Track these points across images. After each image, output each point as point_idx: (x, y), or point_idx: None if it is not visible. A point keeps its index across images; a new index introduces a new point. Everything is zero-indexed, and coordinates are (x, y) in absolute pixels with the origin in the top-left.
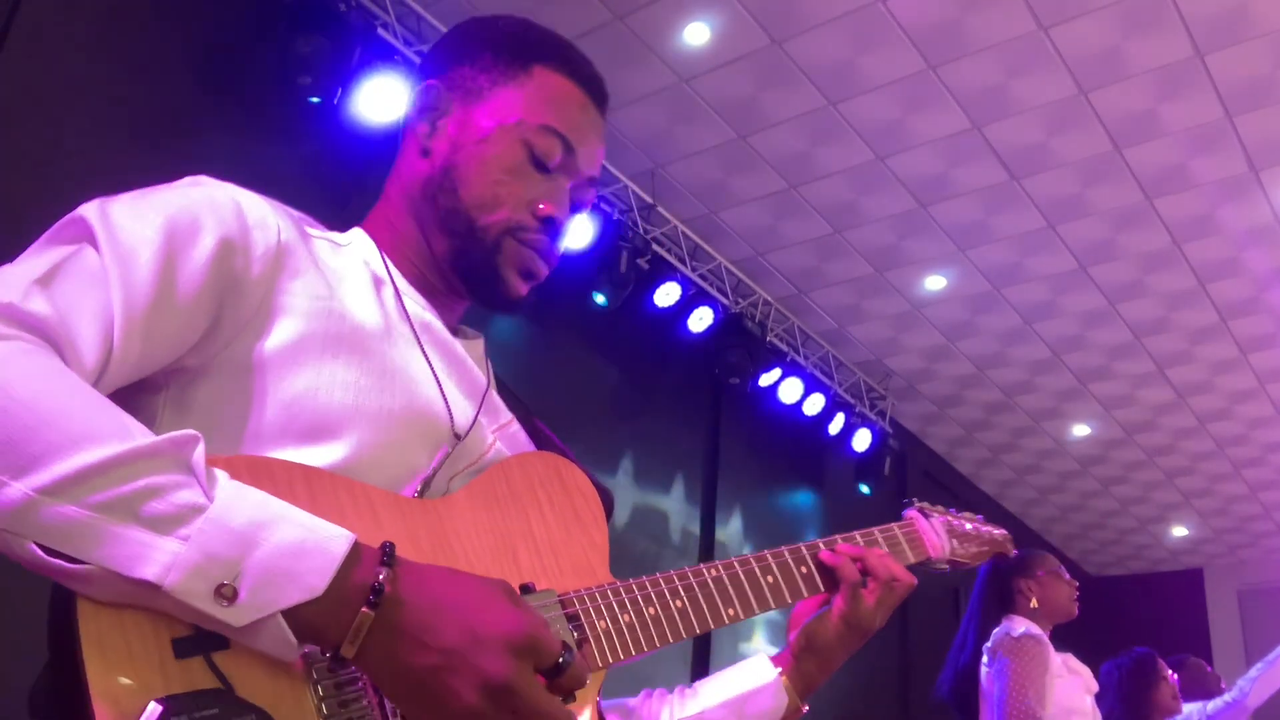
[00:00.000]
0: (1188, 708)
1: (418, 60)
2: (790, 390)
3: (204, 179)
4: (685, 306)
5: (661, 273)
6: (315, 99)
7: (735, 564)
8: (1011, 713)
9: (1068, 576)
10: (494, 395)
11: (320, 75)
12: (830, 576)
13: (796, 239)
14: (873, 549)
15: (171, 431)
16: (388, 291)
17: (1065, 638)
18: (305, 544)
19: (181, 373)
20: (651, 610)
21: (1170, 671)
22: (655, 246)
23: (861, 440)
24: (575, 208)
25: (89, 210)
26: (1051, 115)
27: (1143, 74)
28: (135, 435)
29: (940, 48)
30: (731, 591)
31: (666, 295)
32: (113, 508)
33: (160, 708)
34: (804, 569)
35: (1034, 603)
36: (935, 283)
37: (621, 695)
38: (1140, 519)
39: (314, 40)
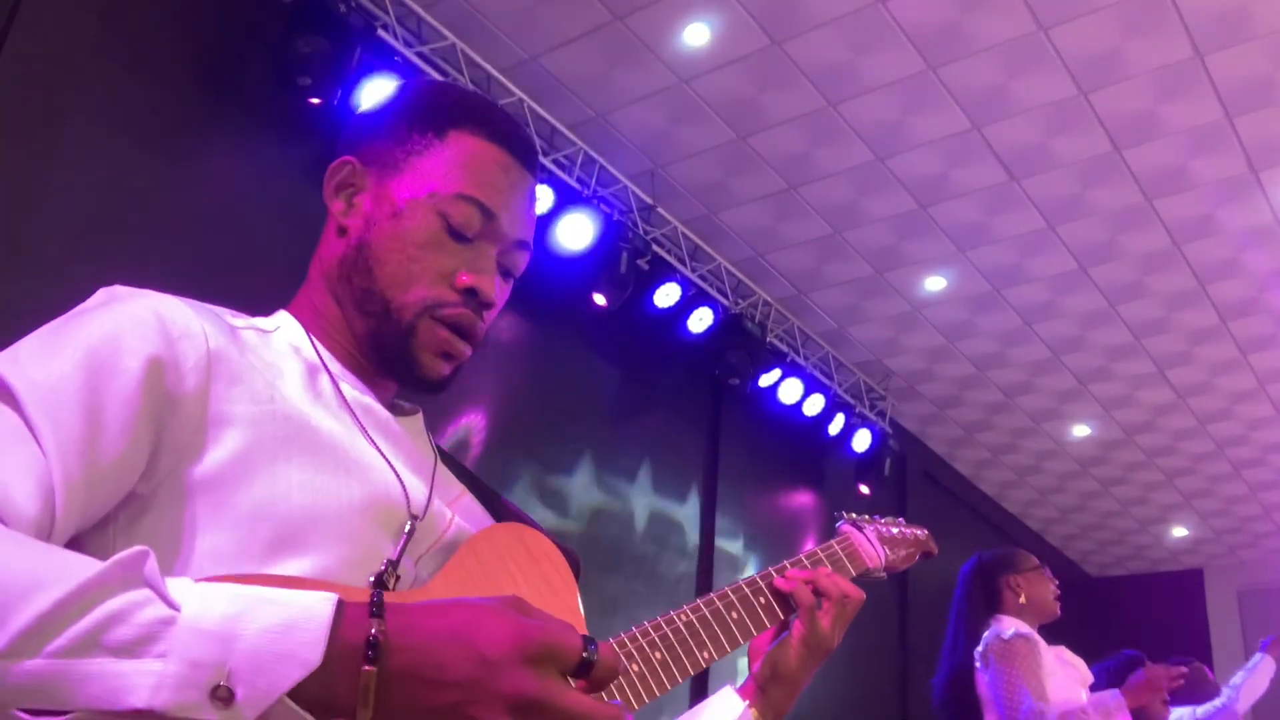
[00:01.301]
0: (1177, 712)
1: (418, 62)
2: (790, 391)
3: (119, 290)
4: (685, 307)
5: (661, 273)
6: (315, 100)
7: (701, 605)
8: (1014, 717)
9: (1050, 574)
10: (442, 469)
11: (320, 76)
12: (786, 603)
13: (796, 239)
14: (820, 569)
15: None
16: (323, 378)
17: (1066, 638)
18: (290, 620)
19: (131, 501)
20: (635, 667)
21: None
22: (655, 247)
23: (861, 441)
24: (506, 274)
25: None
26: (1051, 115)
27: (1143, 74)
28: (80, 571)
29: (940, 48)
30: (704, 634)
31: (666, 296)
32: (76, 649)
33: None
34: (762, 599)
35: (1023, 599)
36: (935, 283)
37: None
38: (1140, 519)
39: (314, 41)
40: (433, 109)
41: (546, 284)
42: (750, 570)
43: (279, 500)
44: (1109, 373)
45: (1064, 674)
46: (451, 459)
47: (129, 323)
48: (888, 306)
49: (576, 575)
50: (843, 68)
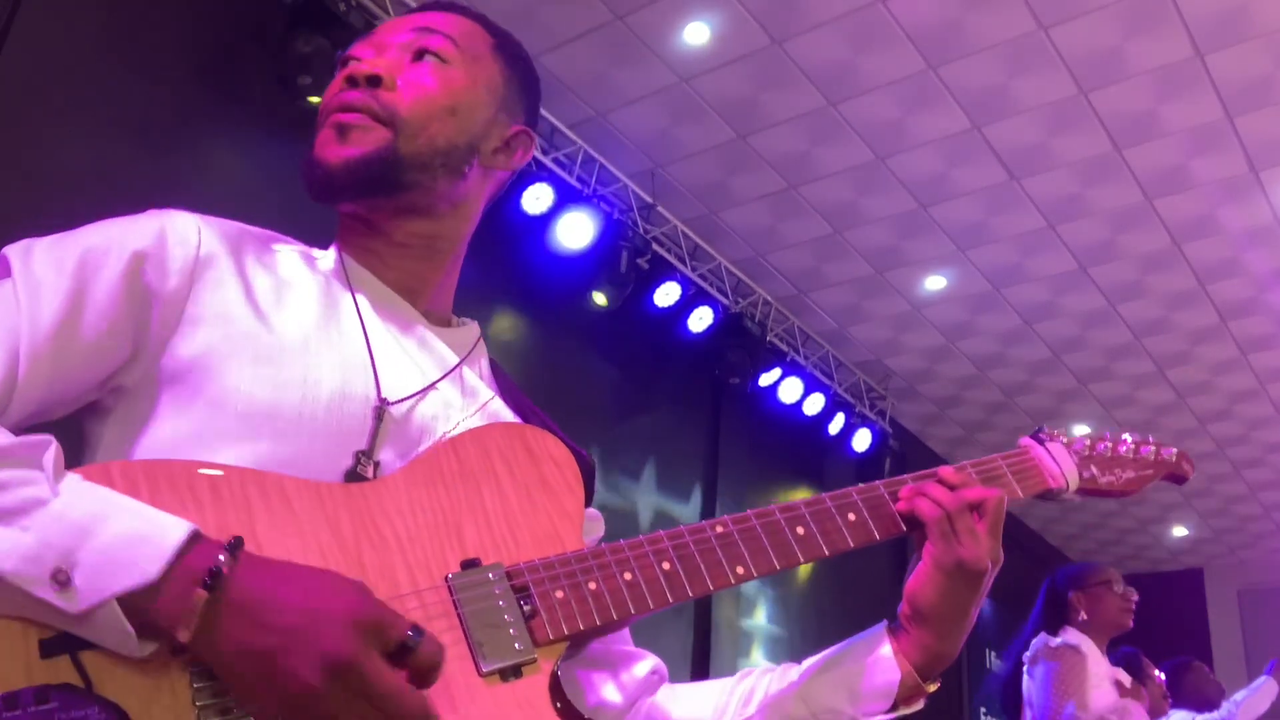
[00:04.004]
0: (1178, 715)
1: None
2: (790, 390)
3: (154, 210)
4: (685, 306)
5: (661, 273)
6: (315, 100)
7: (752, 516)
8: (1050, 718)
9: (1119, 589)
10: (470, 378)
11: (320, 76)
12: (892, 523)
13: (796, 239)
14: (928, 483)
15: (107, 449)
16: (345, 292)
17: None
18: (141, 532)
19: (120, 393)
20: (628, 575)
21: (1157, 671)
22: (655, 246)
23: (861, 440)
24: (423, 54)
25: (13, 249)
26: (1051, 115)
27: (1143, 74)
28: None
29: (940, 48)
30: (743, 547)
31: (666, 295)
32: None
33: None
34: (852, 515)
35: (1083, 615)
36: (935, 283)
37: None
38: (1140, 519)
39: (314, 40)
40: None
41: (546, 283)
42: None
43: (240, 392)
44: (1109, 373)
45: (1110, 690)
46: (504, 376)
47: (133, 227)
48: (888, 306)
49: (589, 481)
50: (843, 67)
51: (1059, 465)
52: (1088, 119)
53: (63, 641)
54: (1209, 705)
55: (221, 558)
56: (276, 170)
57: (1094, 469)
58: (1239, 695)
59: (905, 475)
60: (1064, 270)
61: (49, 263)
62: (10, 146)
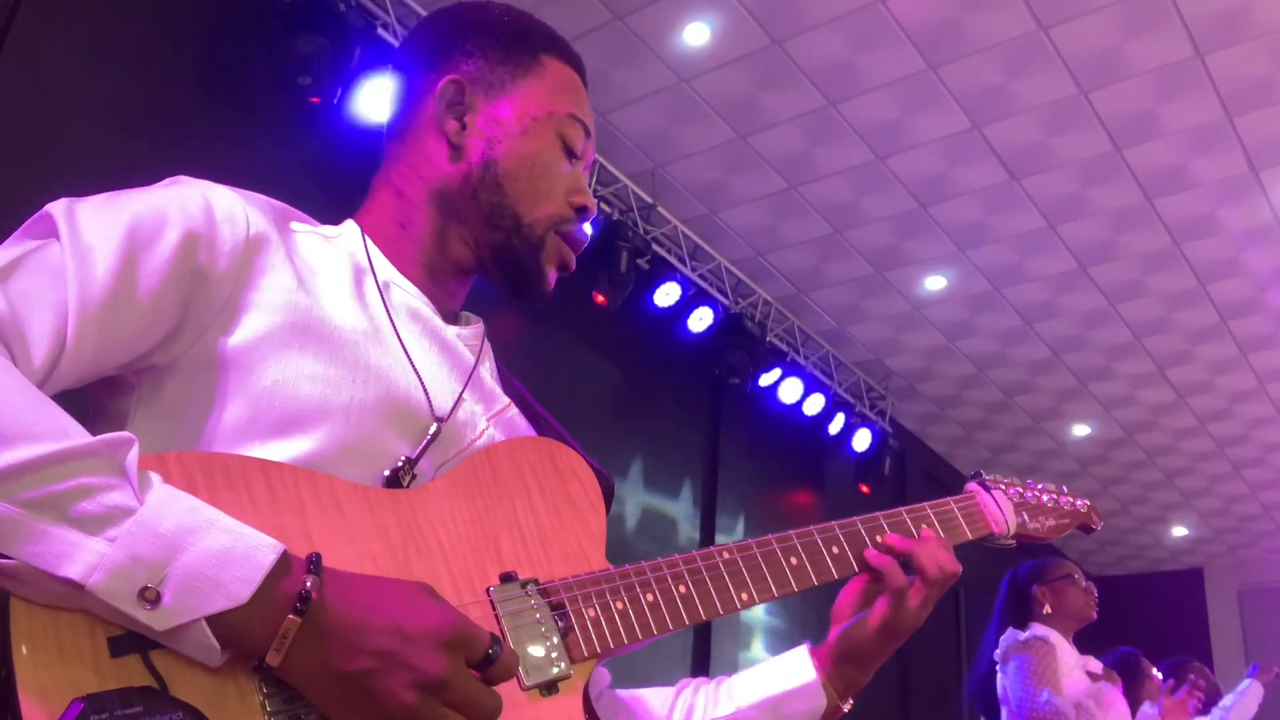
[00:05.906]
0: None
1: None
2: (790, 390)
3: (182, 179)
4: (685, 306)
5: (661, 273)
6: (315, 99)
7: (753, 545)
8: (1031, 710)
9: (1083, 583)
10: (488, 381)
11: (320, 75)
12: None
13: (796, 239)
14: (924, 537)
15: (139, 431)
16: (370, 282)
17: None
18: (233, 552)
19: (150, 371)
20: (650, 597)
21: (1155, 670)
22: (655, 246)
23: (861, 440)
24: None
25: (56, 207)
26: (1051, 115)
27: (1143, 74)
28: (71, 434)
29: (940, 48)
30: (746, 574)
31: (666, 295)
32: (42, 505)
33: (80, 705)
34: (835, 549)
35: (1048, 608)
36: (935, 283)
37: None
38: (1140, 519)
39: (314, 40)
40: (520, 34)
41: None
42: None
43: (288, 386)
44: (1109, 372)
45: (1082, 677)
46: (510, 376)
47: (178, 202)
48: (888, 306)
49: (608, 499)
50: (843, 67)
51: (1001, 511)
52: (1088, 119)
53: (132, 641)
54: (1213, 702)
55: (309, 583)
56: (276, 169)
57: (1025, 515)
58: (1227, 700)
59: (878, 514)
60: (1064, 270)
61: (97, 229)
62: (10, 146)
